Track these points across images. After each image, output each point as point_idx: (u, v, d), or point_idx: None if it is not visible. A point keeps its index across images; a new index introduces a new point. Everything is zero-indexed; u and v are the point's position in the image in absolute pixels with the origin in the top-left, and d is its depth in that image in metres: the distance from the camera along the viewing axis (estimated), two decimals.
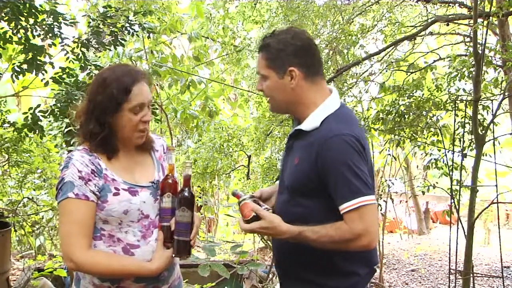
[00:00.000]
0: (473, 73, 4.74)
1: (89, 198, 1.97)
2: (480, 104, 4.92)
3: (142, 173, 2.14)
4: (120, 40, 4.93)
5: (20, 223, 6.21)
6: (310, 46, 2.14)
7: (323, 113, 2.09)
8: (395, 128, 5.50)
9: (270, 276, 5.36)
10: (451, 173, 5.05)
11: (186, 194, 2.05)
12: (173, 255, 2.05)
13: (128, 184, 2.06)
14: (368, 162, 2.07)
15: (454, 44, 8.21)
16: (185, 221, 2.04)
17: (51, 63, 4.63)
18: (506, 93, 5.06)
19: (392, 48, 6.76)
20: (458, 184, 4.99)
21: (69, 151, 2.13)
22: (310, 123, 2.08)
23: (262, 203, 2.19)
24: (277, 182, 2.38)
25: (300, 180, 2.06)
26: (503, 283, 5.41)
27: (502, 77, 5.49)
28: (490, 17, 5.25)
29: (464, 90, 5.44)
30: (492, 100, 5.14)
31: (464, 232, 4.75)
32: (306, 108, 2.12)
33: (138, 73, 2.08)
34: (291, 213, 2.08)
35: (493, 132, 4.94)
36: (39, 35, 4.54)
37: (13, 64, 4.53)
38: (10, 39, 4.46)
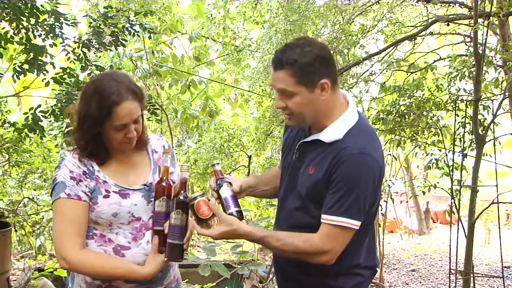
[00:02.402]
0: (474, 73, 4.74)
1: (81, 198, 1.98)
2: (480, 104, 4.92)
3: (137, 175, 2.12)
4: (121, 41, 4.93)
5: (21, 223, 6.22)
6: (330, 54, 2.06)
7: (345, 125, 2.04)
8: (396, 128, 5.50)
9: (271, 276, 5.36)
10: (451, 173, 5.05)
11: (181, 197, 2.00)
12: (165, 259, 2.02)
13: (119, 187, 2.05)
14: (379, 189, 2.08)
15: (455, 44, 8.21)
16: (179, 224, 2.00)
17: (52, 63, 4.63)
18: (507, 93, 5.06)
19: (393, 48, 6.77)
20: (459, 184, 4.99)
21: (69, 151, 2.11)
22: (331, 135, 2.02)
23: (226, 176, 2.18)
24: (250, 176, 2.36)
25: (315, 189, 2.03)
26: (504, 283, 5.40)
27: (502, 77, 5.50)
28: (491, 17, 5.24)
29: (464, 90, 5.44)
30: (492, 100, 5.15)
31: (465, 232, 4.75)
32: (328, 118, 2.06)
33: (125, 91, 1.98)
34: (301, 221, 2.08)
35: (494, 132, 4.94)
36: (40, 35, 4.54)
37: (14, 64, 4.53)
38: (11, 39, 4.46)
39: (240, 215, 2.06)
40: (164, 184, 2.04)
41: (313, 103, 2.01)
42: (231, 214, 2.04)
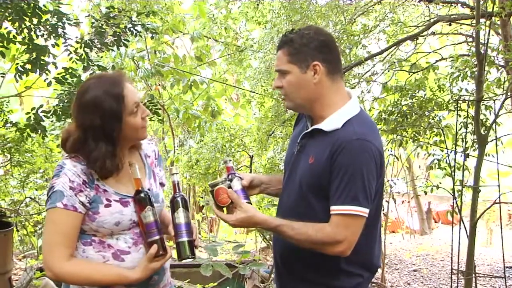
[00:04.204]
0: (476, 73, 4.74)
1: (77, 209, 1.95)
2: (482, 104, 4.92)
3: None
4: (123, 41, 4.93)
5: (23, 223, 6.24)
6: (332, 42, 2.13)
7: (345, 115, 2.07)
8: (398, 128, 5.50)
9: (272, 276, 5.36)
10: (453, 173, 5.04)
11: (179, 198, 2.06)
12: (180, 260, 2.04)
13: (119, 195, 2.04)
14: (381, 178, 2.07)
15: (457, 44, 8.20)
16: (185, 222, 2.05)
17: (54, 63, 4.64)
18: (509, 93, 5.05)
19: (394, 48, 6.76)
20: (461, 184, 4.98)
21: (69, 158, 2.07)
22: (331, 124, 2.06)
23: (238, 173, 2.23)
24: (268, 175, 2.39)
25: (315, 179, 2.05)
26: (505, 283, 5.40)
27: (504, 77, 5.48)
28: (493, 17, 5.24)
29: (466, 90, 5.42)
30: (494, 100, 5.13)
31: (466, 232, 4.74)
32: (327, 108, 2.10)
33: (120, 77, 2.06)
34: (302, 213, 2.08)
35: (496, 132, 4.93)
36: (42, 35, 4.55)
37: (17, 64, 4.54)
38: (13, 39, 4.47)
39: None
40: (143, 195, 2.04)
41: (306, 85, 2.08)
42: None
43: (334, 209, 1.97)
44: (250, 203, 2.12)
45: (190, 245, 2.04)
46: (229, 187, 2.11)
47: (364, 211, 1.97)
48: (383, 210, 6.59)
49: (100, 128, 1.96)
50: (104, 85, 1.99)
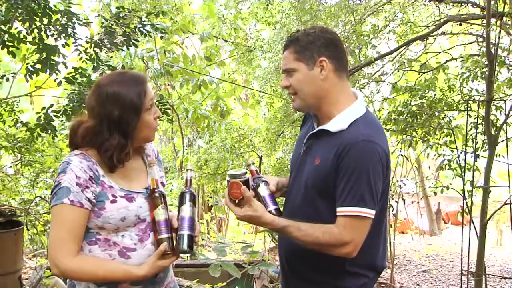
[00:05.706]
0: (486, 73, 4.72)
1: (83, 205, 1.94)
2: (493, 105, 4.89)
3: (136, 179, 2.13)
4: (133, 41, 4.94)
5: (33, 222, 6.25)
6: (338, 41, 2.14)
7: (351, 115, 2.07)
8: (407, 129, 5.48)
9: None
10: (463, 174, 5.02)
11: (189, 193, 2.09)
12: (177, 251, 2.04)
13: (124, 191, 2.05)
14: (387, 179, 2.07)
15: (467, 44, 8.15)
16: (190, 216, 2.06)
17: (64, 63, 4.66)
18: None
19: (404, 48, 6.74)
20: (471, 185, 4.96)
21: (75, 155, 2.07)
22: (337, 125, 2.06)
23: (263, 177, 2.21)
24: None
25: (321, 180, 2.05)
26: None
27: None
28: (504, 17, 5.21)
29: (477, 90, 5.40)
30: (505, 101, 5.11)
31: (476, 233, 4.72)
32: (333, 108, 2.10)
33: (142, 74, 2.13)
34: (306, 214, 2.08)
35: (506, 132, 4.91)
36: (52, 35, 4.57)
37: (27, 64, 4.56)
38: (24, 39, 4.49)
39: (278, 213, 2.10)
40: (157, 194, 2.07)
41: (313, 82, 2.09)
42: (270, 212, 2.08)
43: (341, 210, 1.97)
44: (279, 209, 2.12)
45: (189, 239, 2.03)
46: (244, 183, 2.09)
47: (371, 213, 1.97)
48: (392, 211, 6.60)
49: (117, 121, 1.99)
50: (128, 80, 2.04)
